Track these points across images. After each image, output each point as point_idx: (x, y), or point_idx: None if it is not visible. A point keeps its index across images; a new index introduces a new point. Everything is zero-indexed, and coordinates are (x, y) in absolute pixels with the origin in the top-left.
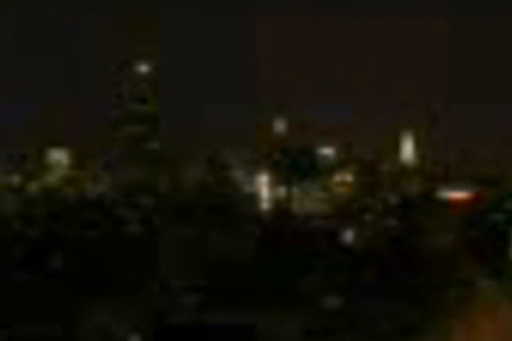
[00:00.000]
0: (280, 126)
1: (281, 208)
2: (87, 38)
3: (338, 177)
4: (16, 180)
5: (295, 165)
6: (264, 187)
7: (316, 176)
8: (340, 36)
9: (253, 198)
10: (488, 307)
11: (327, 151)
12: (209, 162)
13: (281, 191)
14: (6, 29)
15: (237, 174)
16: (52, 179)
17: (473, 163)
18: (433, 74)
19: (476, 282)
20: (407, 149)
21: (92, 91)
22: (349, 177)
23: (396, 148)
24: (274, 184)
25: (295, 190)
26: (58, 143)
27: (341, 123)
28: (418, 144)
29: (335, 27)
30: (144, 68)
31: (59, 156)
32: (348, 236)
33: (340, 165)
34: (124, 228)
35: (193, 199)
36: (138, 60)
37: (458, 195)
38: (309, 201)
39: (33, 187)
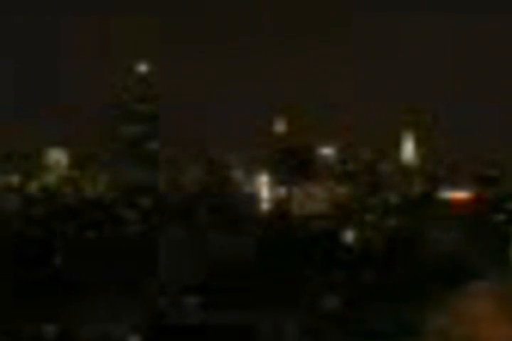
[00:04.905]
0: (280, 126)
1: (281, 208)
2: (86, 37)
3: (338, 178)
4: (15, 179)
5: (295, 165)
6: (264, 187)
7: (316, 176)
8: (340, 33)
9: (253, 198)
10: (489, 308)
11: (327, 151)
12: (209, 162)
13: (281, 191)
14: (4, 28)
15: (237, 174)
16: (51, 179)
17: (473, 163)
18: (434, 73)
19: (476, 282)
20: (408, 149)
21: (92, 91)
22: (349, 178)
23: (397, 147)
24: (274, 184)
25: (295, 190)
26: (58, 143)
27: (342, 123)
28: (419, 144)
29: (334, 23)
30: (143, 68)
31: (58, 156)
32: (348, 236)
33: (340, 165)
34: (124, 228)
35: (193, 199)
36: (138, 60)
37: (458, 195)
38: (309, 201)
39: (33, 187)
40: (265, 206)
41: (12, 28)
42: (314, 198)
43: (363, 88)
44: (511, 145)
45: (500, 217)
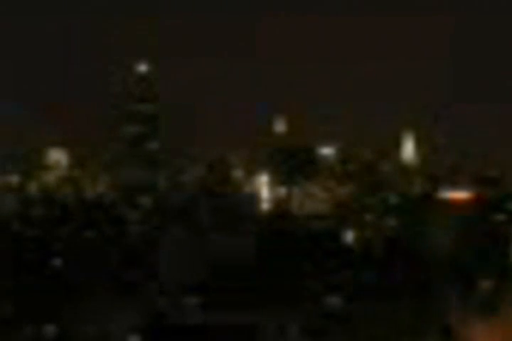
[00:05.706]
0: (280, 126)
1: (281, 208)
2: (86, 37)
3: (338, 178)
4: (14, 180)
5: (295, 165)
6: (264, 187)
7: (316, 176)
8: (340, 33)
9: (253, 198)
10: (489, 308)
11: (327, 151)
12: (209, 162)
13: (281, 191)
14: (4, 28)
15: (237, 174)
16: (51, 179)
17: (473, 163)
18: (435, 73)
19: (477, 282)
20: (408, 149)
21: (92, 91)
22: (349, 178)
23: (397, 147)
24: (274, 184)
25: (295, 190)
26: (58, 143)
27: (342, 123)
28: (419, 144)
29: (335, 23)
30: (143, 68)
31: (58, 156)
32: (348, 236)
33: (340, 165)
34: (124, 228)
35: (193, 200)
36: (138, 59)
37: (459, 195)
38: (309, 201)
39: (32, 187)
40: (265, 206)
41: (12, 28)
42: (314, 198)
43: (363, 88)
44: (511, 145)
45: (500, 217)
